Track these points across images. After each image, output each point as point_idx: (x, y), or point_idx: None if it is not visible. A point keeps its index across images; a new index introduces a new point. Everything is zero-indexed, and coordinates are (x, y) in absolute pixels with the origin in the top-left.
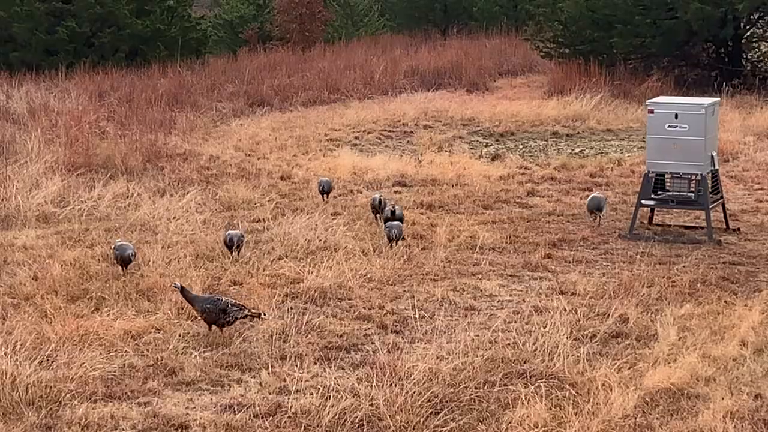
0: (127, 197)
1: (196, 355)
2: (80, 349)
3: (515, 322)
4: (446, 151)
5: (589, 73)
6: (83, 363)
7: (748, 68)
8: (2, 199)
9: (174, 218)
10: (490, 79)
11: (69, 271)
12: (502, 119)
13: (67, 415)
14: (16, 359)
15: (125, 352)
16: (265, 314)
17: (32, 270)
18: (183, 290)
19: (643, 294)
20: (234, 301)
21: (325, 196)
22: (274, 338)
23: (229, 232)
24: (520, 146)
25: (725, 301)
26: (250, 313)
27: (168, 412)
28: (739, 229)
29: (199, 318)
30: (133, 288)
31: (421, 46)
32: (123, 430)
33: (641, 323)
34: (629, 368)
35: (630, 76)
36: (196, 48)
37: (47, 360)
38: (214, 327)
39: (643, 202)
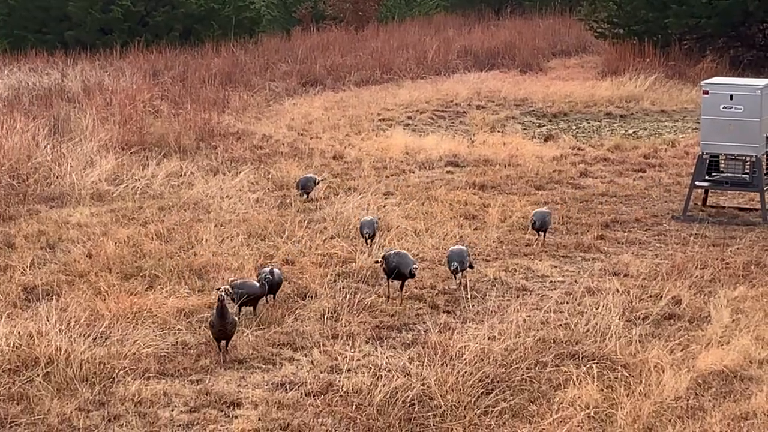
0: (181, 176)
1: (248, 333)
2: (133, 327)
3: (567, 302)
4: (499, 131)
5: (643, 54)
6: (136, 340)
7: None
8: (57, 177)
9: (227, 197)
10: (543, 59)
11: (123, 249)
12: (555, 100)
13: (121, 391)
14: (71, 336)
15: (178, 329)
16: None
17: (86, 247)
18: (223, 302)
19: (697, 276)
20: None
21: (369, 240)
22: (325, 317)
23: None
24: (573, 127)
25: None
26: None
27: (220, 389)
28: None
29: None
30: (185, 266)
31: (475, 26)
32: (175, 407)
33: (694, 305)
34: (682, 350)
35: (685, 56)
36: (250, 27)
37: (101, 337)
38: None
39: (696, 183)
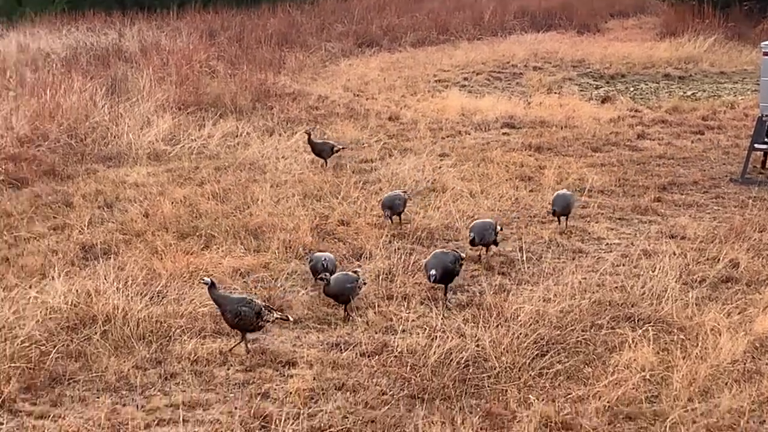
0: (237, 136)
1: (303, 293)
2: (190, 286)
3: (623, 265)
4: (556, 92)
5: (702, 15)
6: (193, 299)
7: None
8: (114, 137)
9: (282, 157)
10: (601, 20)
11: (179, 209)
12: (613, 61)
13: (177, 350)
14: (128, 294)
15: (234, 289)
16: (291, 318)
17: (143, 207)
18: (212, 287)
19: (755, 239)
20: (263, 303)
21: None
22: (380, 278)
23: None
24: (631, 88)
25: None
26: (278, 317)
27: (275, 348)
28: None
29: (228, 324)
30: (241, 226)
31: None
32: (231, 365)
33: (752, 268)
34: (739, 313)
35: (745, 17)
36: None
37: (158, 296)
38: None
39: (756, 146)
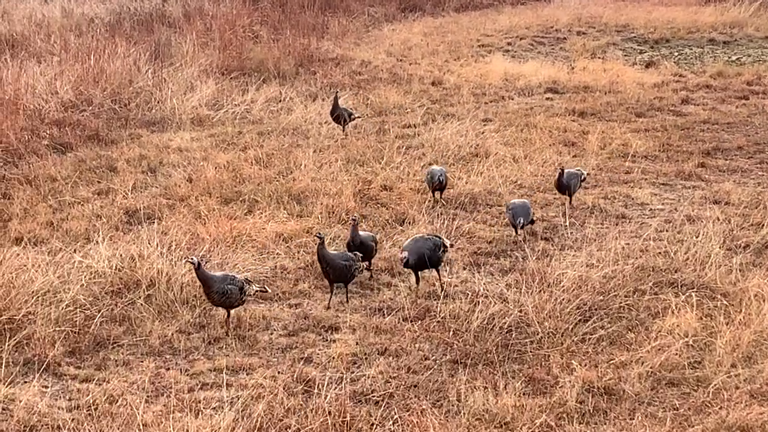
0: (280, 101)
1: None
2: (233, 251)
3: (667, 230)
4: (599, 57)
5: None
6: (236, 264)
7: None
8: (158, 102)
9: (325, 123)
10: None
11: (222, 174)
12: (657, 26)
13: (221, 314)
14: (171, 259)
15: (277, 254)
16: (268, 289)
17: (187, 172)
18: (199, 268)
19: None
20: (244, 277)
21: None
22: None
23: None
24: (675, 53)
25: None
26: (257, 290)
27: (318, 314)
28: None
29: (212, 303)
30: (284, 191)
31: None
32: (275, 330)
33: None
34: None
35: None
36: None
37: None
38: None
39: None
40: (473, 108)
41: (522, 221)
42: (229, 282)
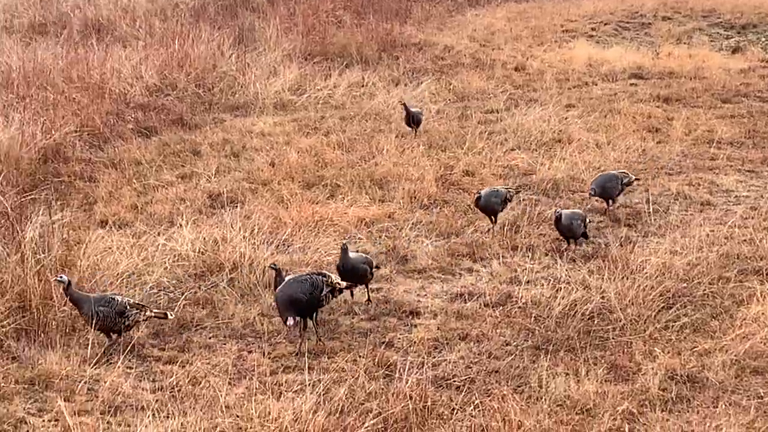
0: (362, 86)
1: (428, 244)
2: (315, 235)
3: (752, 218)
4: (685, 43)
5: None
6: (318, 248)
7: None
8: (241, 86)
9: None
10: None
11: (305, 158)
12: (745, 11)
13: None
14: (254, 243)
15: (359, 238)
16: (171, 315)
17: (269, 156)
18: (68, 288)
19: None
20: (131, 300)
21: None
22: (505, 229)
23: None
24: (763, 39)
25: None
26: (154, 314)
27: (399, 298)
28: None
29: (88, 325)
30: (366, 176)
31: None
32: (356, 314)
33: None
34: None
35: None
36: None
37: (283, 244)
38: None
39: None
40: (556, 93)
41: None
42: (103, 304)
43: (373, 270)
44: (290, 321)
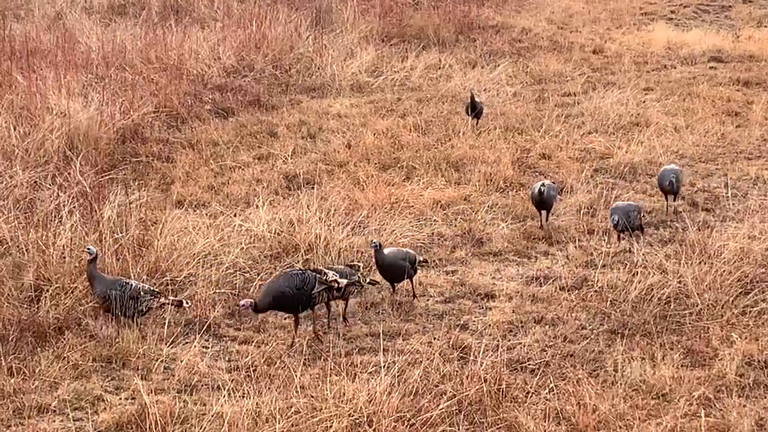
0: (439, 68)
1: (503, 227)
2: (391, 217)
3: None
4: (766, 26)
5: None
6: (393, 230)
7: None
8: (318, 68)
9: (485, 90)
10: None
11: (381, 140)
12: None
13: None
14: (330, 224)
15: (434, 221)
16: (187, 303)
17: (346, 138)
18: (93, 260)
19: None
20: (146, 286)
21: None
22: (581, 212)
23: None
24: None
25: None
26: (169, 302)
27: (474, 281)
28: None
29: (99, 306)
30: (443, 158)
31: None
32: (431, 297)
33: None
34: None
35: None
36: None
37: (359, 226)
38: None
39: None
40: (634, 77)
41: (619, 221)
42: (116, 288)
43: (417, 265)
44: (243, 302)
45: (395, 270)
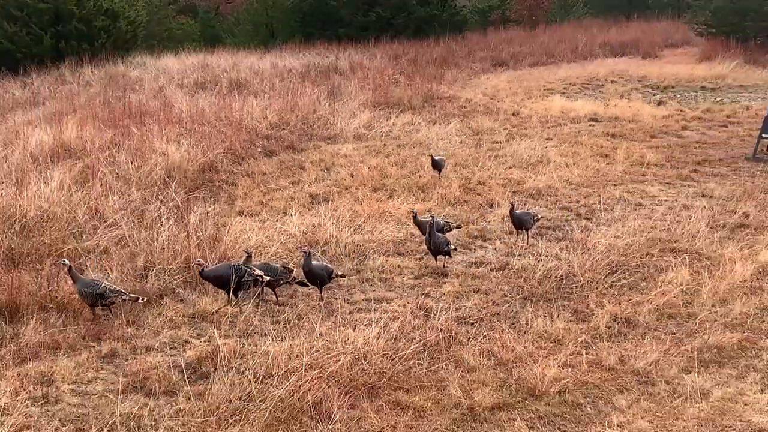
0: (411, 125)
1: (454, 229)
2: (379, 222)
3: (669, 215)
4: (626, 98)
5: (729, 46)
6: (381, 231)
7: None
8: (331, 124)
9: (441, 139)
10: (658, 49)
11: (373, 172)
12: (666, 77)
13: (370, 263)
14: (339, 227)
15: (407, 224)
16: (142, 298)
17: (350, 170)
18: (70, 270)
19: (761, 198)
20: (113, 286)
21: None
22: (504, 219)
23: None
24: (678, 96)
25: None
26: (129, 297)
27: (432, 265)
28: None
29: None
30: (413, 184)
31: (611, 26)
32: (405, 275)
33: (758, 218)
34: (748, 248)
35: (759, 48)
36: (459, 27)
37: (358, 228)
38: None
39: (763, 135)
40: (539, 131)
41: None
42: (88, 287)
43: (333, 277)
44: (198, 260)
45: (315, 276)
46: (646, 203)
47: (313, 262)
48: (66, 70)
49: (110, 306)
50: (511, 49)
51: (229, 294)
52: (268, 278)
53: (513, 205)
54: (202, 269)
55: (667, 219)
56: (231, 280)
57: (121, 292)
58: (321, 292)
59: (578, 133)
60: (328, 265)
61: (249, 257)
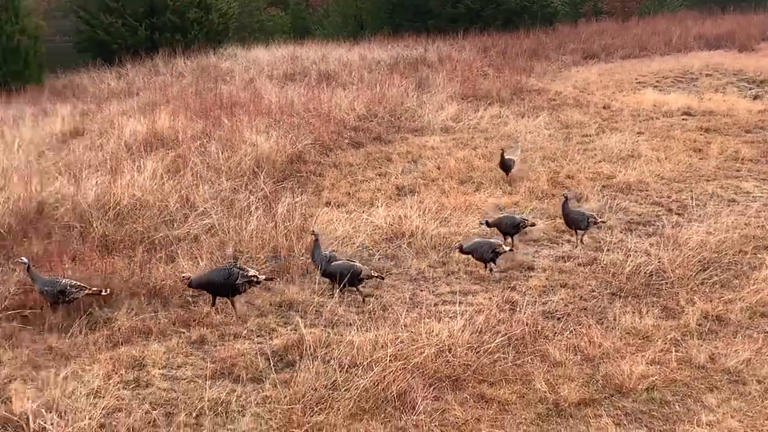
0: (499, 117)
1: (541, 222)
2: (465, 215)
3: (764, 211)
4: (721, 92)
5: None
6: (467, 223)
7: None
8: (419, 116)
9: (529, 132)
10: (755, 42)
11: (460, 164)
12: (763, 71)
13: (456, 255)
14: (425, 219)
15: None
16: (106, 291)
17: (437, 162)
18: (29, 269)
19: None
20: (73, 282)
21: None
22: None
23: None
24: None
25: None
26: (91, 291)
27: (521, 258)
28: None
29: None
30: (501, 177)
31: (707, 19)
32: (492, 269)
33: None
34: None
35: None
36: (550, 19)
37: (444, 220)
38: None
39: None
40: (631, 124)
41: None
42: (48, 285)
43: (361, 277)
44: (184, 275)
45: (334, 274)
46: (739, 199)
47: (335, 262)
48: (159, 61)
49: (72, 302)
50: (603, 42)
51: (217, 298)
52: (263, 277)
53: (566, 198)
54: (190, 281)
55: (762, 216)
56: (223, 284)
57: (83, 287)
58: (338, 290)
59: (671, 127)
60: (356, 264)
61: (236, 258)
